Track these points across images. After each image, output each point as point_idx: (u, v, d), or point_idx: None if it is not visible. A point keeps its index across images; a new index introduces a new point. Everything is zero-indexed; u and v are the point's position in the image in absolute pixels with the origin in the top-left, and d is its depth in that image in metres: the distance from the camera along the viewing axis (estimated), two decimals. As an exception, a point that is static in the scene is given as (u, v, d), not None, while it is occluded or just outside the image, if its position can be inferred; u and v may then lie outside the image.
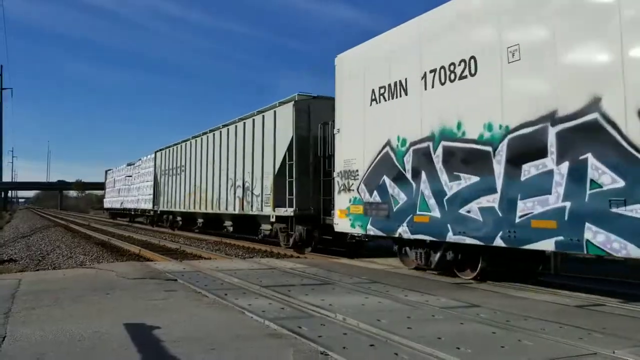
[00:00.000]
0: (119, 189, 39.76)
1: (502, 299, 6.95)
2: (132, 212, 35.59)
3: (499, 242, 7.01)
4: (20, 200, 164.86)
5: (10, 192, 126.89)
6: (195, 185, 21.43)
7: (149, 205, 28.97)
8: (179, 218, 24.83)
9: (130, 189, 35.51)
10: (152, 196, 28.32)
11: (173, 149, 24.70)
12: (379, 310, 5.77)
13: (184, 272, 8.94)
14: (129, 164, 35.47)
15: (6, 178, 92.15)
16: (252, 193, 16.23)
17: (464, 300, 6.48)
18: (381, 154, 9.65)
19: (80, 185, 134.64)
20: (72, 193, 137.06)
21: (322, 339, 4.49)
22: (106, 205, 47.42)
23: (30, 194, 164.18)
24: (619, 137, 5.36)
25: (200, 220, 22.26)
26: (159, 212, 27.11)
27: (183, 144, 23.13)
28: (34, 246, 18.25)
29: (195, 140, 21.62)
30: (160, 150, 27.11)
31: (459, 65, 7.59)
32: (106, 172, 47.64)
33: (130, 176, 35.09)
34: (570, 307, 6.49)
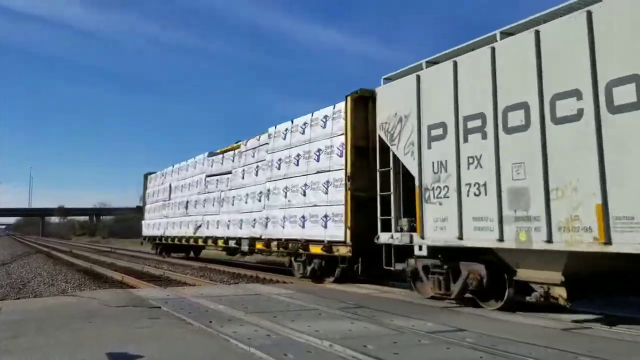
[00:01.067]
0: (187, 200, 21.92)
1: (488, 322, 7.01)
2: (247, 248, 16.76)
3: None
4: (0, 226, 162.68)
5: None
6: None
7: (334, 232, 12.18)
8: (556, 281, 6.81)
9: (228, 199, 18.45)
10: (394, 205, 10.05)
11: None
12: (365, 336, 5.76)
13: (168, 299, 8.86)
14: (211, 154, 20.55)
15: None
16: None
17: (450, 325, 6.53)
18: None
19: (62, 211, 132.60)
20: (54, 219, 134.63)
21: (309, 367, 4.38)
22: (147, 231, 27.97)
23: (11, 220, 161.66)
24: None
25: None
26: (427, 248, 9.14)
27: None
28: (15, 274, 18.02)
29: None
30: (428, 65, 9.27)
31: None
32: (146, 176, 28.86)
33: (229, 173, 18.55)
34: (556, 330, 6.58)
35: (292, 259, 13.90)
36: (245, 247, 16.33)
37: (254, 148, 16.57)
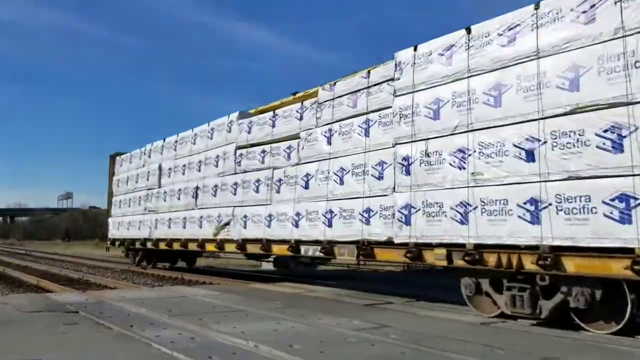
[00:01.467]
0: (195, 186, 15.61)
1: (412, 318, 8.67)
2: (354, 259, 10.80)
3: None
4: None
5: None
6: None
7: None
8: None
9: (292, 179, 11.91)
10: None
11: None
12: (292, 336, 6.93)
13: (87, 303, 10.26)
14: (243, 115, 14.39)
15: None
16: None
17: (375, 322, 7.98)
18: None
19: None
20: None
21: (233, 368, 4.85)
22: (117, 232, 22.12)
23: None
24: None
25: None
26: None
27: None
28: None
29: None
30: None
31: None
32: (113, 158, 23.61)
33: (292, 138, 12.28)
34: (475, 324, 8.08)
35: (487, 281, 8.32)
36: (348, 257, 10.59)
37: (353, 92, 11.10)
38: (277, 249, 12.65)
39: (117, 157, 23.22)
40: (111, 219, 23.09)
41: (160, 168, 18.68)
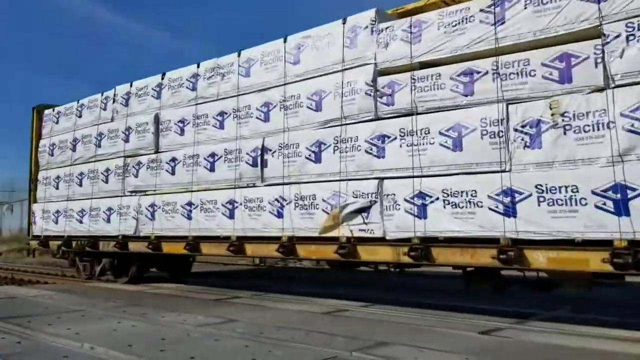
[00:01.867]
0: (318, 141, 8.28)
1: (258, 311, 8.68)
2: None
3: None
4: None
5: None
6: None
7: None
8: None
9: None
10: None
11: None
12: (132, 335, 6.62)
13: None
14: None
15: None
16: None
17: (221, 316, 7.98)
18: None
19: None
20: None
21: (63, 372, 6.56)
22: (52, 225, 13.17)
23: None
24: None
25: None
26: None
27: None
28: None
29: None
30: None
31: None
32: (40, 111, 14.50)
33: None
34: (318, 314, 8.34)
35: None
36: None
37: None
38: (550, 261, 6.00)
39: (48, 111, 14.59)
40: (39, 206, 14.11)
41: (157, 121, 11.21)
